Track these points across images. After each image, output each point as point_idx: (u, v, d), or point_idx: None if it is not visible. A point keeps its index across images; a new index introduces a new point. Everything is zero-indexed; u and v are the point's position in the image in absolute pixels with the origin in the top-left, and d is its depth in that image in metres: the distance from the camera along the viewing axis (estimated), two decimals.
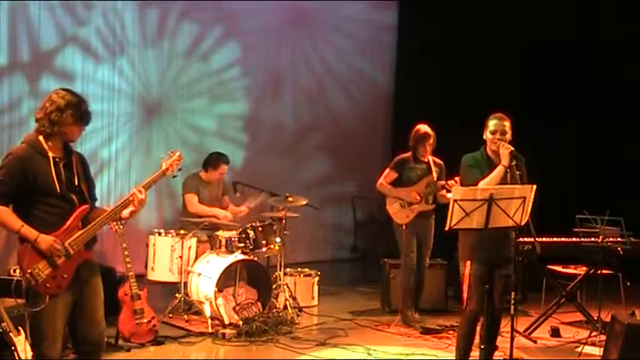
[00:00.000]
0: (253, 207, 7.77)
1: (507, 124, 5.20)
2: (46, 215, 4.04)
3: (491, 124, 5.20)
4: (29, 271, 3.96)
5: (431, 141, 6.99)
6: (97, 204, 4.37)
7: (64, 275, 4.05)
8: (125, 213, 4.21)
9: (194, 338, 6.45)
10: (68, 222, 4.07)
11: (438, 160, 7.12)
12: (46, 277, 3.99)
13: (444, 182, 6.84)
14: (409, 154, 7.11)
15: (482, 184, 5.03)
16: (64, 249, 4.02)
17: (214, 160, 7.68)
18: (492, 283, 5.17)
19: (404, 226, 6.98)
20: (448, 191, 6.61)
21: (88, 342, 4.21)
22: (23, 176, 4.00)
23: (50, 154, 4.08)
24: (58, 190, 4.05)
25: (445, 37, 10.26)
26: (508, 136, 5.18)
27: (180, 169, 4.43)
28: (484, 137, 5.25)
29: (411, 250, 7.01)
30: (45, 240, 3.98)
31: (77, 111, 4.09)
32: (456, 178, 6.20)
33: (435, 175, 7.01)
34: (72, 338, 4.28)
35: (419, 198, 6.94)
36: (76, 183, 4.15)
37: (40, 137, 4.09)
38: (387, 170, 7.16)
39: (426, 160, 7.08)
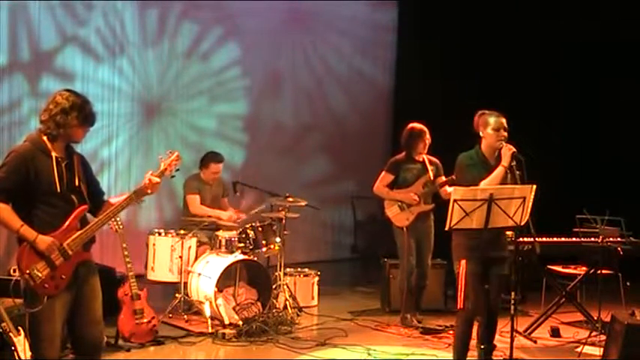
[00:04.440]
0: (252, 214, 7.75)
1: (504, 120, 5.21)
2: (45, 215, 4.05)
3: (493, 121, 5.19)
4: (27, 271, 3.97)
5: (428, 136, 6.96)
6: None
7: (63, 276, 4.05)
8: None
9: (194, 338, 6.45)
10: (67, 222, 4.08)
11: (433, 159, 7.07)
12: (44, 277, 4.00)
13: (448, 178, 6.77)
14: (402, 155, 7.07)
15: (482, 185, 5.03)
16: (62, 249, 4.03)
17: (205, 160, 7.71)
18: (488, 283, 5.17)
19: (404, 229, 6.96)
20: (450, 185, 6.58)
21: (87, 342, 4.22)
22: (25, 174, 4.01)
23: (53, 154, 4.09)
24: (59, 189, 4.06)
25: (445, 37, 10.26)
26: (506, 133, 5.19)
27: (178, 170, 4.44)
28: (482, 135, 5.25)
29: (411, 253, 6.97)
30: (43, 240, 3.99)
31: (82, 112, 4.11)
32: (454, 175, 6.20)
33: (431, 174, 6.98)
34: (71, 338, 4.29)
35: (417, 199, 6.92)
36: (77, 184, 4.16)
37: (44, 137, 4.10)
38: (383, 173, 7.11)
39: (421, 159, 7.03)
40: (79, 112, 4.09)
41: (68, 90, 4.20)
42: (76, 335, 4.22)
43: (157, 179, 4.23)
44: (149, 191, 4.22)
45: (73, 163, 4.18)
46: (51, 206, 4.06)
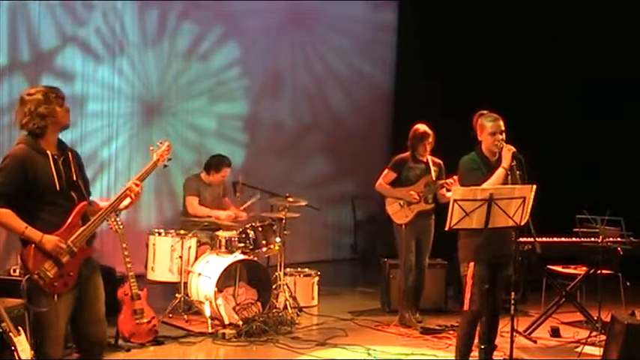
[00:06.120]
0: (250, 205, 7.74)
1: (502, 123, 5.21)
2: (47, 215, 4.05)
3: (489, 125, 5.19)
4: (36, 272, 3.98)
5: (430, 139, 6.99)
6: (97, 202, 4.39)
7: (70, 273, 4.07)
8: (121, 205, 4.25)
9: (194, 338, 6.45)
10: (69, 220, 4.09)
11: (436, 160, 7.11)
12: (53, 276, 4.01)
13: (443, 181, 6.84)
14: (407, 154, 7.10)
15: (483, 186, 5.02)
16: (67, 247, 4.04)
17: (217, 163, 7.67)
18: (494, 284, 5.17)
19: (403, 226, 6.98)
20: (448, 190, 6.63)
21: (89, 341, 4.23)
22: (24, 176, 4.01)
23: (49, 152, 4.10)
24: (58, 187, 4.07)
25: (445, 37, 10.26)
26: (504, 136, 5.19)
27: (170, 159, 4.48)
28: (479, 138, 5.25)
29: (410, 250, 7.00)
30: (50, 240, 4.00)
31: (58, 95, 4.15)
32: (455, 177, 6.20)
33: (433, 174, 7.00)
34: (74, 337, 4.29)
35: (417, 198, 6.93)
36: (75, 179, 4.18)
37: (35, 137, 4.11)
38: (386, 171, 7.15)
39: (425, 159, 7.06)
40: (55, 95, 4.14)
41: (29, 88, 4.26)
42: (79, 334, 4.22)
43: (138, 188, 4.23)
44: (133, 197, 4.22)
45: (69, 159, 4.20)
46: (52, 205, 4.07)
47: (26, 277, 4.00)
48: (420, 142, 7.00)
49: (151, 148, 4.48)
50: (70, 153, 4.23)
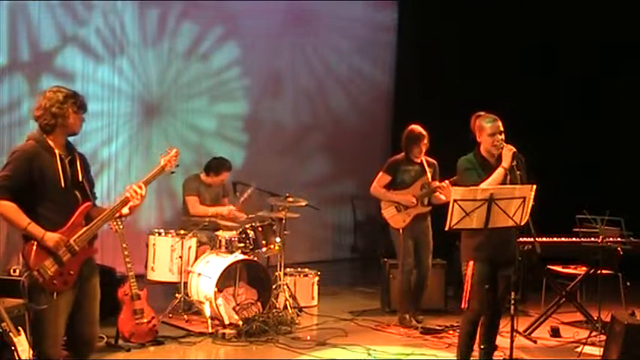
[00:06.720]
0: (246, 199, 7.73)
1: (500, 123, 5.21)
2: (49, 213, 4.07)
3: (488, 126, 5.19)
4: (36, 268, 3.99)
5: (425, 141, 6.90)
6: (98, 203, 4.40)
7: (70, 272, 4.09)
8: (125, 210, 4.25)
9: (194, 338, 6.45)
10: (72, 219, 4.11)
11: (431, 160, 7.04)
12: (52, 274, 4.02)
13: (437, 185, 6.79)
14: (401, 155, 7.02)
15: (482, 186, 5.02)
16: (69, 246, 4.05)
17: (217, 167, 7.67)
18: (495, 284, 5.17)
19: (401, 230, 6.93)
20: (441, 194, 6.63)
21: (83, 340, 4.25)
22: (29, 172, 4.04)
23: (57, 151, 4.13)
24: (63, 185, 4.09)
25: (445, 37, 10.26)
26: (503, 136, 5.19)
27: (177, 166, 4.48)
28: (478, 140, 5.25)
29: (409, 253, 6.94)
30: (51, 238, 4.02)
31: (76, 101, 4.20)
32: (447, 181, 6.21)
33: (429, 175, 6.93)
34: (67, 336, 4.30)
35: (415, 201, 6.89)
36: (80, 179, 4.21)
37: (45, 135, 4.14)
38: (381, 174, 7.07)
39: (419, 160, 6.99)
40: (74, 100, 4.18)
41: (56, 86, 4.29)
42: (73, 333, 4.23)
43: (142, 191, 4.22)
44: (134, 203, 4.21)
45: (75, 159, 4.23)
46: (55, 203, 4.09)
47: (26, 274, 4.02)
48: (415, 144, 6.92)
49: (160, 153, 4.47)
50: (77, 154, 4.27)
